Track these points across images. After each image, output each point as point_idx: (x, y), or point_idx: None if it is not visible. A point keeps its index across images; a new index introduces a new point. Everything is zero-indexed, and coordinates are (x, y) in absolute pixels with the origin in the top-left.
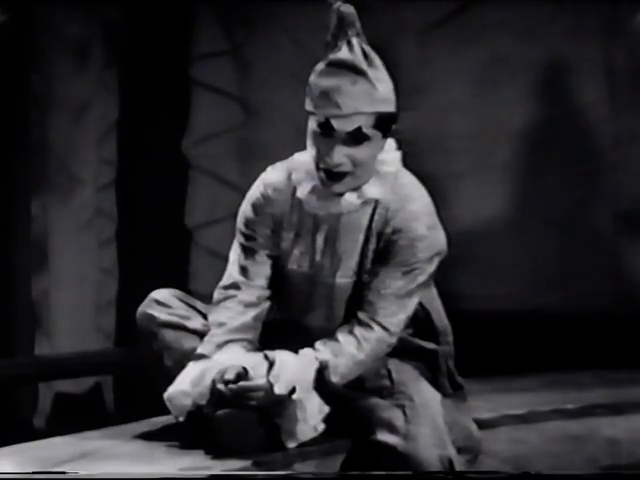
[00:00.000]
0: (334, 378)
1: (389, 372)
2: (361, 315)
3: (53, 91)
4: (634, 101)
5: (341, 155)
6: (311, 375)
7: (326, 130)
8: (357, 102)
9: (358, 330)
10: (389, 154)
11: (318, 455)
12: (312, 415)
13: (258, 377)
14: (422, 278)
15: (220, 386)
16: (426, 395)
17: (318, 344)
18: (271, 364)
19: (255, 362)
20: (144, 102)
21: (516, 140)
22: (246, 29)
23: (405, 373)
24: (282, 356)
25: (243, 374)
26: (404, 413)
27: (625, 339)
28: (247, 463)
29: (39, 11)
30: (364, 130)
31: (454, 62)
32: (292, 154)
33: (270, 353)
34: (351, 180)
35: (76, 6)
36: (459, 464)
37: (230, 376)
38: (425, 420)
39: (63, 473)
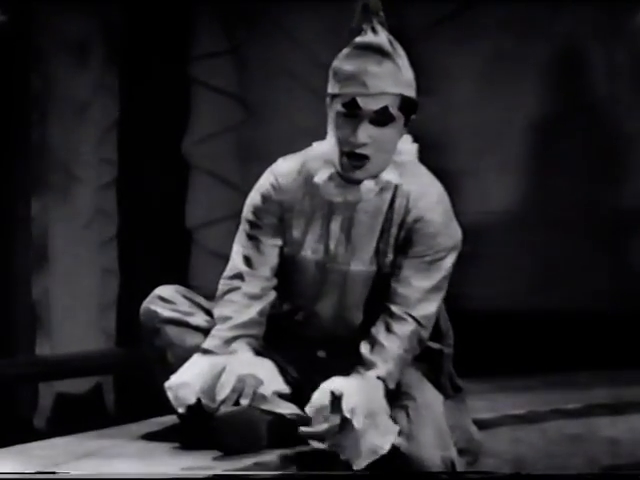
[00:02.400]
0: (391, 385)
1: None
2: (394, 308)
3: (53, 91)
4: (635, 99)
5: (366, 134)
6: (382, 398)
7: (352, 110)
8: (383, 82)
9: (396, 326)
10: (406, 145)
11: (318, 455)
12: (386, 435)
13: (325, 414)
14: (447, 269)
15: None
16: (429, 396)
17: (366, 354)
18: (337, 398)
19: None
20: (144, 102)
21: (518, 139)
22: (246, 29)
23: (408, 374)
24: (348, 388)
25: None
26: (407, 414)
27: (625, 339)
28: (248, 463)
29: (39, 11)
30: (390, 110)
31: (457, 60)
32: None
33: (333, 386)
34: (371, 166)
35: (76, 6)
36: (460, 466)
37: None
38: (428, 421)
39: (63, 473)
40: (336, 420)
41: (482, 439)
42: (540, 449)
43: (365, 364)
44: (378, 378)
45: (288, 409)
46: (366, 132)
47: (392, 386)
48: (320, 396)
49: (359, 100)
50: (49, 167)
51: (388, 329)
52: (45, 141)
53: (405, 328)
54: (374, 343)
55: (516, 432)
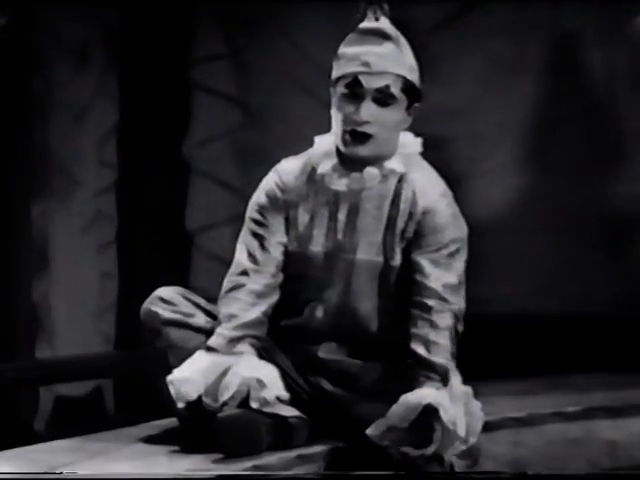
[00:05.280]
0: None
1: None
2: (431, 302)
3: (54, 94)
4: (634, 102)
5: (368, 113)
6: (476, 403)
7: (355, 89)
8: (385, 61)
9: (439, 320)
10: (409, 138)
11: (318, 457)
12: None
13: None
14: (464, 261)
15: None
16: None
17: (426, 356)
18: (433, 410)
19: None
20: (145, 105)
21: (516, 143)
22: (246, 33)
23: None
24: (442, 400)
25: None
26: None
27: (625, 342)
28: (247, 465)
29: (40, 15)
30: (392, 89)
31: (455, 64)
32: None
33: (426, 400)
34: (374, 145)
35: (77, 10)
36: (459, 468)
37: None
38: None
39: (64, 474)
40: (439, 434)
41: (482, 442)
42: (540, 452)
43: (427, 366)
44: (460, 382)
45: (290, 412)
46: (369, 110)
47: None
48: (408, 410)
49: (361, 78)
50: (49, 170)
51: (433, 325)
52: (45, 144)
53: (447, 320)
54: (427, 343)
55: (516, 435)
